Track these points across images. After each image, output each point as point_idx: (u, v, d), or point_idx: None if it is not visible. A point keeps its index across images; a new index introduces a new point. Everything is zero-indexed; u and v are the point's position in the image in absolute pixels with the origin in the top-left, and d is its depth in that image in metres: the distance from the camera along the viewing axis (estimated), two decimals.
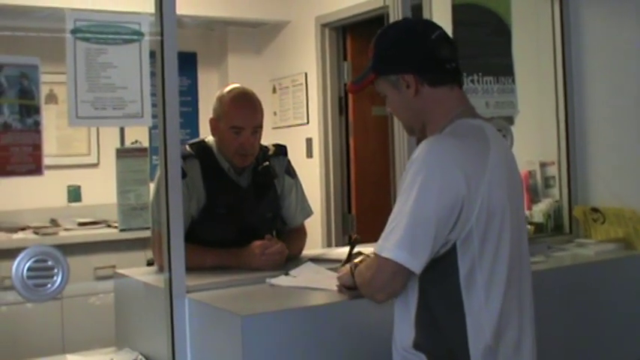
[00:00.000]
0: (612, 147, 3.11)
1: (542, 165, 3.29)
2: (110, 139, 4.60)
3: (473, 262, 1.69)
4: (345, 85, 4.74)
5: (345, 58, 4.76)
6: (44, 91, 1.91)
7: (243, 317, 1.87)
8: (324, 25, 4.76)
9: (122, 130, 4.38)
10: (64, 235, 4.12)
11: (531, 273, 1.86)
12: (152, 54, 2.07)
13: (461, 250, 1.69)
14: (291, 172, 2.83)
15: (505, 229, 1.73)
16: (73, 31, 1.96)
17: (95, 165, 4.80)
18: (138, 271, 2.55)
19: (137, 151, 2.25)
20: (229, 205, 2.62)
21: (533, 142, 3.33)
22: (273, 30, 5.22)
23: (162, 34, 2.06)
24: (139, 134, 3.76)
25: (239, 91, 2.68)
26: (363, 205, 4.73)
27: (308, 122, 4.90)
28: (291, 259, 2.59)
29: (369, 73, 1.87)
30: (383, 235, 1.70)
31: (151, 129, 2.13)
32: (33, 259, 1.87)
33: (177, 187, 2.09)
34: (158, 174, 2.19)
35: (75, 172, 4.69)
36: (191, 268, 2.14)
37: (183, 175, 2.34)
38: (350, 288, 1.97)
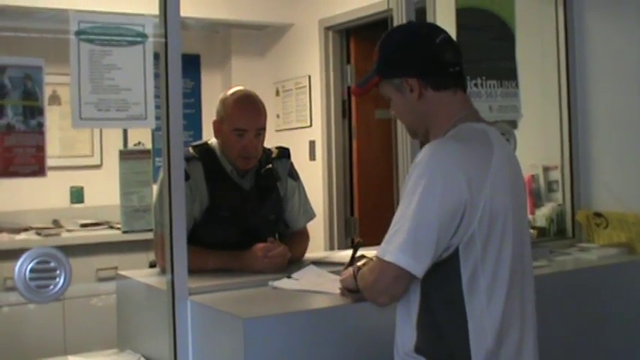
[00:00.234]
0: (616, 151, 3.11)
1: (546, 169, 3.29)
2: (113, 141, 4.59)
3: (475, 266, 1.69)
4: (348, 88, 4.74)
5: (348, 61, 4.76)
6: (47, 92, 1.90)
7: (245, 320, 1.86)
8: (327, 28, 4.76)
9: (125, 132, 4.37)
10: (67, 237, 4.12)
11: (534, 277, 1.85)
12: (156, 56, 2.07)
13: (463, 253, 1.68)
14: (293, 174, 2.83)
15: (508, 232, 1.73)
16: (77, 33, 1.96)
17: (98, 166, 4.80)
18: (140, 272, 2.55)
19: (140, 153, 2.25)
20: (232, 207, 2.61)
21: (537, 146, 3.32)
22: (277, 33, 5.22)
23: (166, 36, 2.06)
24: (142, 136, 3.74)
25: (242, 93, 2.68)
26: (365, 208, 4.73)
27: (311, 125, 4.90)
28: (294, 262, 2.59)
29: (374, 76, 1.88)
30: (385, 238, 1.70)
31: (154, 131, 2.12)
32: (35, 261, 1.87)
33: (180, 189, 2.09)
34: (161, 176, 2.19)
35: (78, 173, 4.69)
36: (193, 271, 2.14)
37: (186, 177, 2.34)
38: (353, 291, 1.96)
